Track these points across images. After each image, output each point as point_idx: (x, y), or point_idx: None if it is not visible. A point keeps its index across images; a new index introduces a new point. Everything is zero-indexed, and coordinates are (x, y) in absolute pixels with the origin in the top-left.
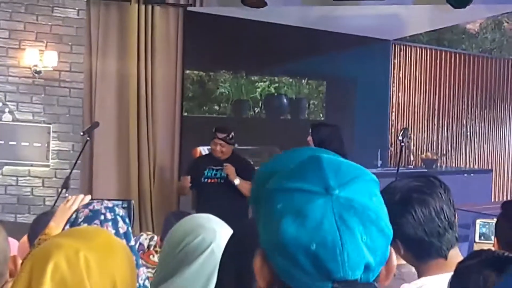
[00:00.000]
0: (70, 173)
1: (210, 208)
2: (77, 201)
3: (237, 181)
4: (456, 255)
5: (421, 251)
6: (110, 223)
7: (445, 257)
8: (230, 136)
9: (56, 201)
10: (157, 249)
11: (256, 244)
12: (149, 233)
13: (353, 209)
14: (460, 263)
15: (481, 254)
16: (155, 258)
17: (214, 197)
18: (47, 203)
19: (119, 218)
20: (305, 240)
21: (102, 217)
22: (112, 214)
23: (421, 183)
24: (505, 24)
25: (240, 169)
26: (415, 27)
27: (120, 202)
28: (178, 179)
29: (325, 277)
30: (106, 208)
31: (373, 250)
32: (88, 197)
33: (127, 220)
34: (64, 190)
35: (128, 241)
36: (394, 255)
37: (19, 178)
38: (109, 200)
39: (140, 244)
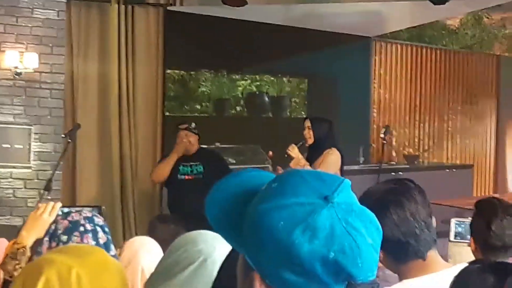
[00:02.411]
0: (52, 175)
1: (187, 205)
2: (47, 208)
3: None
4: (435, 256)
5: (399, 252)
6: (90, 235)
7: (423, 258)
8: (192, 126)
9: (38, 203)
10: None
11: None
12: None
13: (354, 213)
14: (463, 269)
15: (484, 261)
16: None
17: (192, 193)
18: (29, 204)
19: (98, 229)
20: (322, 250)
21: (82, 228)
22: (92, 224)
23: (396, 185)
24: (485, 19)
25: (213, 162)
26: (396, 23)
27: (89, 209)
28: None
29: (342, 284)
30: (85, 218)
31: (376, 249)
32: (59, 204)
33: (106, 229)
34: (46, 192)
35: (108, 251)
36: None
37: (1, 180)
38: (79, 206)
39: None
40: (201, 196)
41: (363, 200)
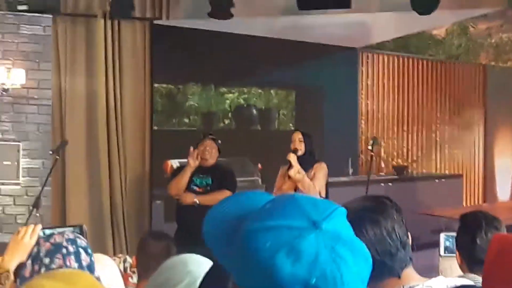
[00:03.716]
0: (41, 191)
1: (191, 217)
2: (28, 231)
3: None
4: (410, 273)
5: (373, 270)
6: (72, 257)
7: (398, 276)
8: (219, 141)
9: (27, 220)
10: (134, 269)
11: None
12: (120, 255)
13: (342, 241)
14: None
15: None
16: (134, 280)
17: (201, 205)
18: (18, 221)
19: (81, 250)
20: (304, 275)
21: (65, 250)
22: (74, 246)
23: (373, 203)
24: (471, 29)
25: (225, 179)
26: (382, 34)
27: (71, 228)
28: (149, 192)
29: None
30: (67, 240)
31: (363, 279)
32: (39, 226)
33: (89, 250)
34: (35, 209)
35: (92, 273)
36: None
37: None
38: (59, 227)
39: None
40: (204, 208)
41: None
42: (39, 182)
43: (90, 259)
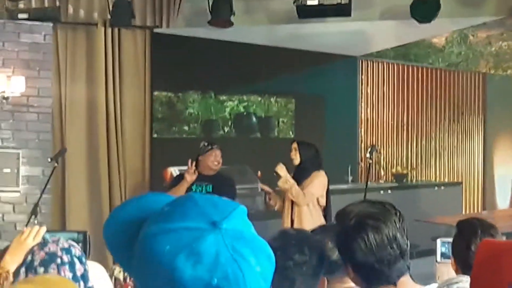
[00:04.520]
0: (39, 199)
1: None
2: (32, 233)
3: None
4: (406, 281)
5: (370, 277)
6: (67, 267)
7: (394, 284)
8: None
9: (26, 227)
10: None
11: None
12: None
13: (243, 240)
14: None
15: None
16: None
17: None
18: (18, 228)
19: (76, 260)
20: (205, 276)
21: (59, 260)
22: (69, 256)
23: (376, 209)
24: (471, 37)
25: (224, 186)
26: (382, 42)
27: (75, 234)
28: None
29: None
30: (62, 249)
31: (266, 278)
32: (44, 229)
33: (83, 259)
34: (33, 216)
35: (86, 282)
36: None
37: None
38: (65, 231)
39: (116, 279)
40: None
41: (340, 219)
42: (38, 189)
43: (85, 269)
